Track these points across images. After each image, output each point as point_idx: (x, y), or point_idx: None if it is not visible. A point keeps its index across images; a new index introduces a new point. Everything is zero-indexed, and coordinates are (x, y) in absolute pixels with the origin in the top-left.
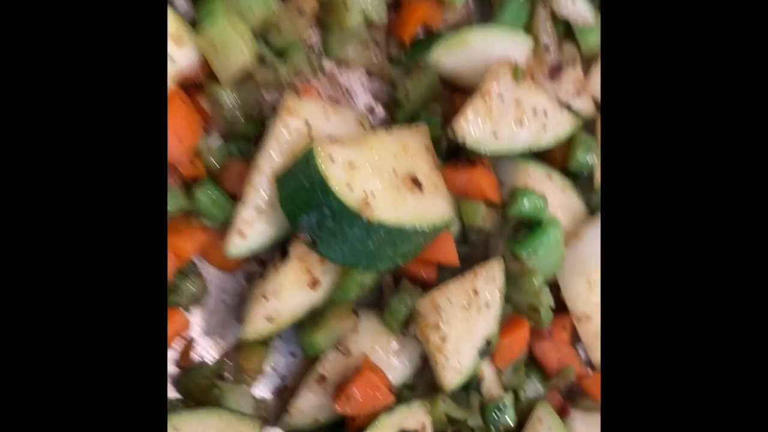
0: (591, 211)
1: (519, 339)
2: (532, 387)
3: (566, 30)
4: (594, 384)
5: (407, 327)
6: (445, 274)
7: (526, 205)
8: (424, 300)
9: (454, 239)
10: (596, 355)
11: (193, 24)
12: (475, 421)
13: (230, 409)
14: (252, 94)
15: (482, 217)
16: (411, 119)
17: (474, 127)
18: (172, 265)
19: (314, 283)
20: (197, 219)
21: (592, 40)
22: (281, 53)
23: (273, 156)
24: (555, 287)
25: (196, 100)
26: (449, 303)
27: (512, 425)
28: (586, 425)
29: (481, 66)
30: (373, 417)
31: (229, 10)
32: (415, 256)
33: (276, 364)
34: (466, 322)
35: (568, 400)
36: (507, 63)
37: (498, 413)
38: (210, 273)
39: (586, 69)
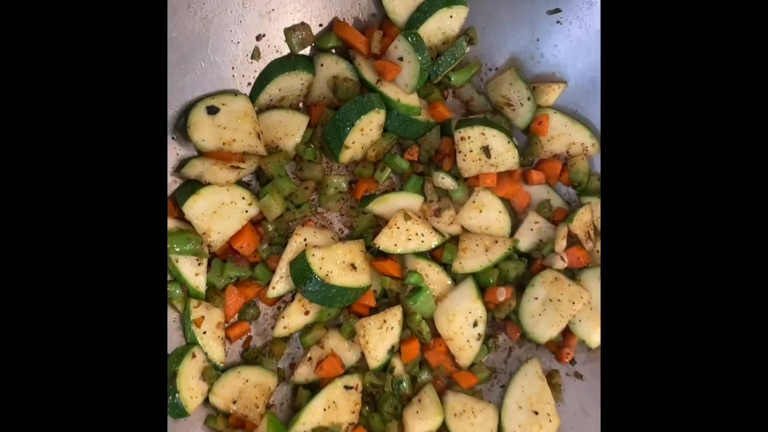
0: (455, 283)
1: (413, 348)
2: (424, 375)
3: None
4: (460, 377)
5: (353, 337)
6: (374, 311)
7: (413, 279)
8: (358, 323)
9: (379, 295)
10: (461, 360)
11: (257, 195)
12: (387, 387)
13: (265, 368)
14: (282, 225)
15: (389, 284)
16: (360, 236)
17: (385, 241)
18: (242, 302)
19: (307, 312)
20: (256, 280)
21: (458, 195)
22: (297, 206)
23: (289, 253)
24: (433, 322)
25: (257, 228)
26: (370, 325)
27: (408, 392)
28: (455, 399)
29: (394, 211)
30: (332, 379)
31: (274, 190)
32: (354, 301)
33: (290, 351)
34: (379, 336)
35: (446, 384)
36: (402, 212)
37: (399, 385)
38: (261, 305)
39: (458, 209)
